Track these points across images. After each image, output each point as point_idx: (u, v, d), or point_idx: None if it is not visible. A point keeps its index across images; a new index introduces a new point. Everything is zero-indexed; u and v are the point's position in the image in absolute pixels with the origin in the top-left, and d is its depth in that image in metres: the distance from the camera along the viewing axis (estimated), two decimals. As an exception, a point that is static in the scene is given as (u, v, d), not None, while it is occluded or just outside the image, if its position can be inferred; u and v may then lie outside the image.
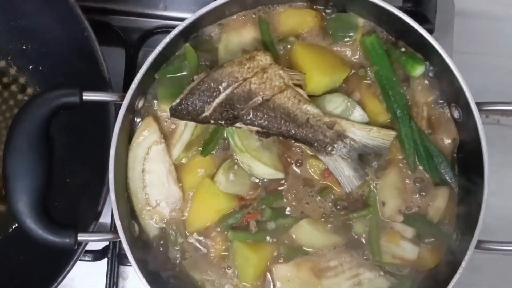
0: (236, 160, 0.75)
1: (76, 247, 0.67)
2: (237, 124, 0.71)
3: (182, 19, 0.93)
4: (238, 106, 0.69)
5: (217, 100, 0.69)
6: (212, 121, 0.70)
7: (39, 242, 0.66)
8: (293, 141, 0.73)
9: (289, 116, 0.71)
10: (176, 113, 0.70)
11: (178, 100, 0.70)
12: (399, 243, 0.74)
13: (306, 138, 0.71)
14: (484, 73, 1.04)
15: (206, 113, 0.70)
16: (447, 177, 0.75)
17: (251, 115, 0.70)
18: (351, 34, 0.77)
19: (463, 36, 1.03)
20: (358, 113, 0.74)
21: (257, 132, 0.72)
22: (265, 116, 0.70)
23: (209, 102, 0.69)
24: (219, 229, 0.75)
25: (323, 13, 0.77)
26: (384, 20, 0.76)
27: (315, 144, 0.72)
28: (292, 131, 0.71)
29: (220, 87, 0.69)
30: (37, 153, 0.65)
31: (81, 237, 0.67)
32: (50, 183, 0.67)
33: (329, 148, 0.72)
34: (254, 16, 0.77)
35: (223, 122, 0.70)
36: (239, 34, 0.77)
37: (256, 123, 0.70)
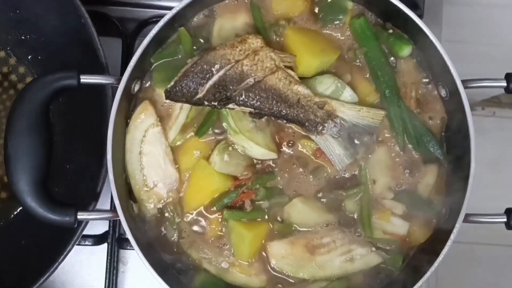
0: (230, 141, 0.77)
1: (76, 225, 0.69)
2: (230, 105, 0.73)
3: (177, 9, 0.98)
4: (231, 87, 0.72)
5: (210, 82, 0.71)
6: (206, 103, 0.72)
7: (40, 220, 0.68)
8: (285, 121, 0.75)
9: (281, 96, 0.73)
10: (171, 95, 0.72)
11: (172, 83, 0.72)
12: (389, 219, 0.76)
13: (297, 118, 0.74)
14: (472, 61, 1.06)
15: (200, 95, 0.72)
16: (436, 155, 0.77)
17: (243, 96, 0.72)
18: (341, 17, 0.79)
19: (451, 24, 1.05)
20: (348, 94, 0.76)
21: (250, 113, 0.74)
22: (257, 97, 0.72)
23: (203, 84, 0.71)
24: (215, 209, 0.77)
25: (313, -3, 0.79)
26: (373, 3, 0.79)
27: (306, 124, 0.74)
28: (284, 111, 0.73)
29: (213, 69, 0.71)
30: (37, 134, 0.67)
31: (80, 215, 0.69)
32: (50, 163, 0.69)
33: (320, 128, 0.74)
34: (246, 0, 0.79)
35: (216, 103, 0.72)
36: (231, 19, 0.79)
37: (248, 104, 0.72)
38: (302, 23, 0.79)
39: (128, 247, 0.92)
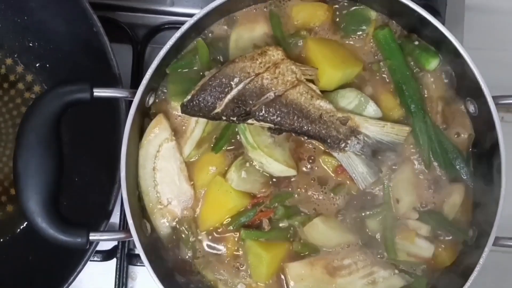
0: (247, 157, 0.73)
1: (88, 246, 0.66)
2: (249, 121, 0.70)
3: (189, 15, 0.93)
4: (250, 102, 0.68)
5: (229, 96, 0.68)
6: (224, 118, 0.69)
7: (50, 241, 0.65)
8: (306, 137, 0.72)
9: (302, 112, 0.69)
10: (187, 109, 0.69)
11: (189, 97, 0.68)
12: (414, 241, 0.73)
13: (319, 135, 0.70)
14: (494, 68, 1.02)
15: (218, 110, 0.68)
16: (462, 173, 0.74)
17: (263, 111, 0.69)
18: (364, 27, 0.75)
19: (473, 30, 1.02)
20: (371, 108, 0.73)
21: (269, 128, 0.71)
22: (278, 112, 0.69)
23: (221, 98, 0.68)
24: (232, 228, 0.73)
25: (335, 7, 0.76)
26: (397, 12, 0.75)
27: (328, 141, 0.71)
28: (305, 127, 0.70)
29: (232, 82, 0.68)
30: (48, 150, 0.64)
31: (92, 236, 0.66)
32: (61, 180, 0.65)
33: (343, 145, 0.71)
34: (265, 9, 0.75)
35: (235, 119, 0.69)
36: (250, 29, 0.75)
37: (268, 119, 0.69)
38: (323, 34, 0.76)
39: (138, 264, 0.89)
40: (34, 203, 0.63)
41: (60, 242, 0.64)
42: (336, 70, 0.72)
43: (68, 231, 0.64)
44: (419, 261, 0.73)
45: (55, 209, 0.65)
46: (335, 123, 0.70)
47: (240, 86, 0.68)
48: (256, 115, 0.69)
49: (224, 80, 0.68)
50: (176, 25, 0.92)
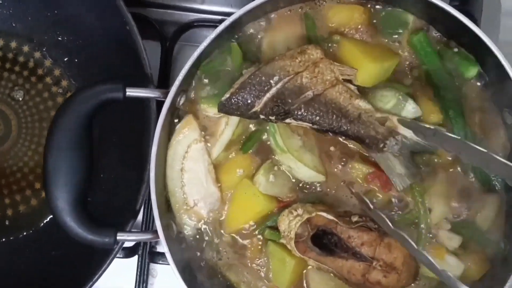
0: (276, 161, 0.72)
1: (115, 246, 0.66)
2: (287, 120, 0.68)
3: (219, 13, 0.93)
4: (289, 100, 0.67)
5: (268, 95, 0.66)
6: (262, 116, 0.67)
7: (77, 240, 0.64)
8: (343, 137, 0.70)
9: (341, 111, 0.68)
10: (225, 108, 0.67)
11: (227, 95, 0.67)
12: (444, 257, 0.71)
13: (357, 135, 0.68)
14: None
15: (257, 108, 0.67)
16: (497, 184, 0.72)
17: (302, 110, 0.67)
18: (400, 31, 0.73)
19: (509, 36, 0.99)
20: (410, 106, 0.70)
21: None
22: (317, 111, 0.67)
23: (260, 97, 0.66)
24: (257, 232, 0.72)
25: (372, 9, 0.74)
26: (435, 17, 0.73)
27: (367, 141, 0.69)
28: (344, 127, 0.68)
29: (272, 81, 0.66)
30: (79, 149, 0.63)
31: (120, 236, 0.65)
32: (91, 180, 0.65)
33: (381, 145, 0.69)
34: (300, 10, 0.74)
35: (273, 118, 0.67)
36: (283, 30, 0.74)
37: (307, 118, 0.67)
38: (359, 37, 0.74)
39: (160, 262, 0.88)
40: (63, 202, 0.62)
41: (88, 242, 0.64)
42: (375, 63, 0.70)
43: (96, 231, 0.64)
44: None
45: (84, 208, 0.64)
46: (373, 123, 0.68)
47: (280, 85, 0.66)
48: (295, 114, 0.67)
49: (263, 78, 0.66)
50: (206, 23, 0.91)
